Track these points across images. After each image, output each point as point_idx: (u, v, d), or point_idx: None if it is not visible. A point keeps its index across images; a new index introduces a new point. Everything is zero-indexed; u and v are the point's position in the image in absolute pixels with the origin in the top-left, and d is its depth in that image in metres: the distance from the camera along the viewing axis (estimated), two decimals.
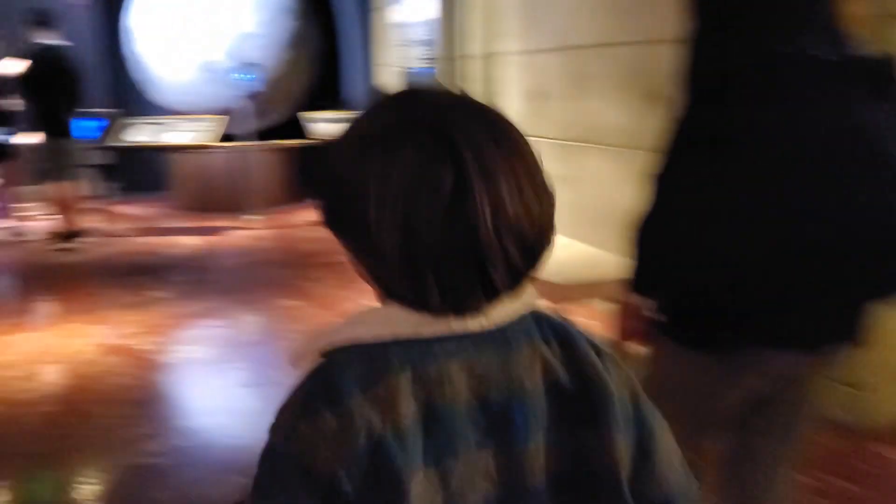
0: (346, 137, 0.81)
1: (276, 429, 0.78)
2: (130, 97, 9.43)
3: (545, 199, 0.79)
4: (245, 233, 7.48)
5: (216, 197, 8.30)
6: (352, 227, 0.79)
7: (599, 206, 4.60)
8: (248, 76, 7.91)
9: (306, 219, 7.99)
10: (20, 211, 7.97)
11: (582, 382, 0.82)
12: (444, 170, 0.73)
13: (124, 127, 7.62)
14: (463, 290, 0.76)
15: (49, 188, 6.86)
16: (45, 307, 5.30)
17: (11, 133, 6.98)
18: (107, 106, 8.53)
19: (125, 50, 8.92)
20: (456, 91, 0.82)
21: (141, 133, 7.53)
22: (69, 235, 7.09)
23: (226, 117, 7.64)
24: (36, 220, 7.83)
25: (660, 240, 1.50)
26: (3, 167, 7.01)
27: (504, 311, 0.81)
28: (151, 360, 4.24)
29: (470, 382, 0.78)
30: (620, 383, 0.85)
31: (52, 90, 6.62)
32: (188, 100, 8.25)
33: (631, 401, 0.85)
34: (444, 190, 0.72)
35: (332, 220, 0.82)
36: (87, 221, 7.25)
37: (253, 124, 7.92)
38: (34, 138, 6.86)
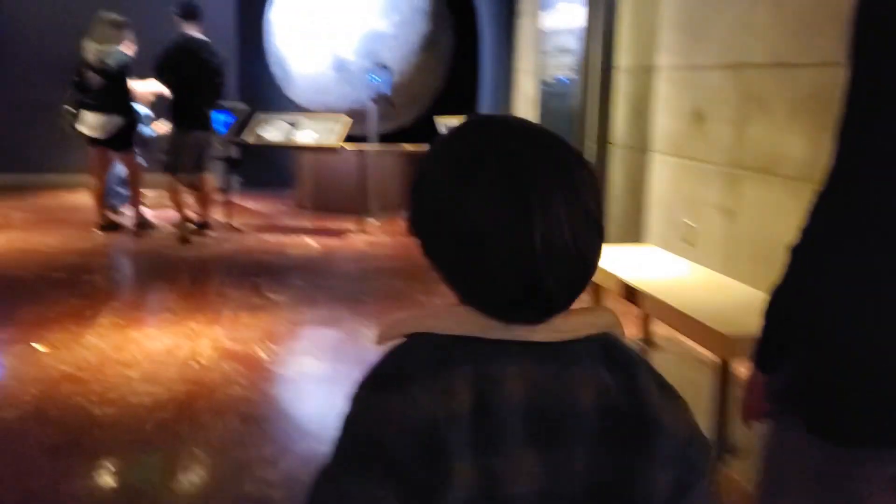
0: (430, 161, 0.91)
1: (353, 400, 0.87)
2: (258, 92, 9.46)
3: (594, 230, 0.86)
4: (364, 237, 7.29)
5: (338, 198, 8.17)
6: (430, 238, 0.90)
7: (760, 242, 4.15)
8: (379, 77, 7.74)
9: None
10: (146, 200, 8.04)
11: (635, 411, 0.86)
12: (510, 200, 0.83)
13: (257, 123, 7.54)
14: (521, 302, 0.84)
15: (181, 179, 6.84)
16: (164, 302, 5.21)
17: (149, 120, 6.99)
18: (234, 100, 8.55)
19: (262, 44, 8.92)
20: (526, 123, 0.90)
21: (270, 130, 7.44)
22: (201, 226, 7.07)
23: (350, 119, 7.47)
24: (161, 209, 7.90)
25: (793, 313, 1.37)
26: (137, 154, 6.98)
27: (568, 328, 0.87)
28: (268, 371, 4.04)
29: (525, 387, 0.84)
30: (676, 420, 0.88)
31: (193, 82, 6.61)
32: (318, 98, 8.15)
33: (684, 439, 0.88)
34: (508, 218, 0.82)
35: (416, 230, 0.91)
36: (212, 215, 7.24)
37: (379, 126, 7.75)
38: (168, 127, 6.90)
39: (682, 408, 0.90)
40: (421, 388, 0.83)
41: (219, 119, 7.57)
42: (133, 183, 7.09)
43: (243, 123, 7.69)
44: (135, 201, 7.12)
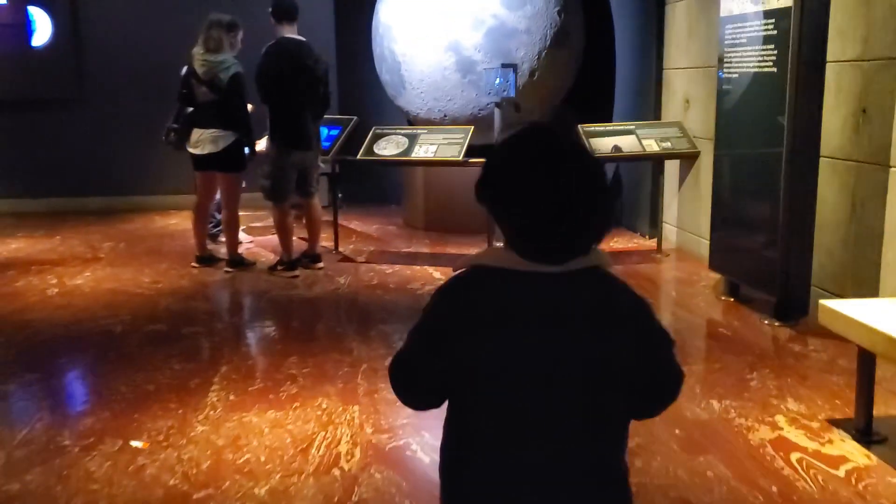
0: (497, 156, 1.45)
1: (434, 298, 1.47)
2: (361, 102, 8.53)
3: (600, 204, 1.40)
4: None
5: (454, 216, 7.17)
6: (495, 203, 1.43)
7: None
8: (504, 79, 6.70)
9: None
10: (243, 229, 7.19)
11: (613, 311, 1.43)
12: (542, 187, 1.36)
13: (372, 138, 6.57)
14: (541, 247, 1.39)
15: (285, 207, 5.92)
16: (282, 366, 4.21)
17: (248, 138, 6.01)
18: (338, 111, 7.63)
19: (365, 48, 7.98)
20: (552, 135, 1.42)
21: (383, 145, 6.47)
22: (310, 258, 6.16)
23: (471, 127, 6.44)
24: (262, 237, 7.02)
25: None
26: (233, 178, 6.05)
27: (573, 265, 1.40)
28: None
29: (538, 298, 1.39)
30: (638, 315, 1.46)
31: (297, 93, 5.68)
32: (435, 105, 7.16)
33: (643, 327, 1.46)
34: (540, 196, 1.36)
35: (485, 198, 1.43)
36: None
37: (503, 134, 6.69)
38: (268, 146, 5.96)
39: (645, 309, 1.47)
40: (473, 295, 1.43)
41: (323, 133, 6.66)
42: (230, 212, 6.10)
43: (350, 137, 6.74)
44: (232, 235, 6.17)
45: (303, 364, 4.17)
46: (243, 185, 6.13)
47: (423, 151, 6.37)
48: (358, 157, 6.49)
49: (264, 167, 5.88)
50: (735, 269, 5.22)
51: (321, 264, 6.19)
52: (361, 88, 8.78)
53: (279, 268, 6.00)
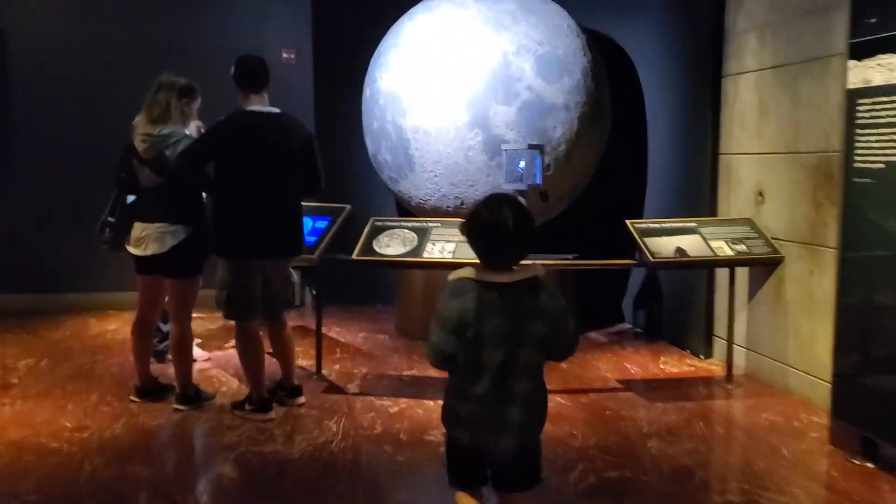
0: (479, 209, 2.45)
1: (441, 304, 2.41)
2: (346, 186, 7.21)
3: (531, 237, 2.43)
4: None
5: None
6: (472, 236, 2.44)
7: None
8: (529, 161, 5.42)
9: (608, 371, 5.32)
10: (198, 342, 5.74)
11: (542, 305, 2.41)
12: (501, 229, 2.37)
13: (372, 233, 5.19)
14: (501, 263, 2.41)
15: (251, 327, 4.48)
16: None
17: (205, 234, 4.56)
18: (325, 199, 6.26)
19: (353, 123, 6.69)
20: (508, 197, 2.53)
21: (386, 242, 5.09)
22: (287, 391, 4.71)
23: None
24: (222, 354, 5.54)
25: None
26: (185, 285, 4.61)
27: (517, 275, 2.40)
28: None
29: (501, 300, 2.37)
30: (554, 308, 2.42)
31: (274, 181, 4.31)
32: (448, 191, 5.85)
33: (556, 315, 2.43)
34: (500, 234, 2.38)
35: (468, 233, 2.45)
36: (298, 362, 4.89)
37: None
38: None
39: (559, 304, 2.44)
40: (462, 300, 2.37)
41: (307, 224, 5.28)
42: (181, 329, 4.60)
43: (342, 228, 5.36)
44: (183, 361, 4.66)
45: None
46: (199, 291, 4.69)
47: (437, 251, 5.00)
48: (354, 256, 5.10)
49: (219, 273, 4.43)
50: (873, 422, 3.88)
51: (302, 399, 4.72)
52: (341, 170, 7.46)
53: (247, 407, 4.50)
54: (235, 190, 4.28)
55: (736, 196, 5.55)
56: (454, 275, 2.44)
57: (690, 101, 6.07)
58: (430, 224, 5.24)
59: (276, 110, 4.38)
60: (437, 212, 5.91)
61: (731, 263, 5.12)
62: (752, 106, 5.34)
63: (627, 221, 5.20)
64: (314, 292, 7.52)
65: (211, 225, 4.40)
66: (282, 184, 4.33)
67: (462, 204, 5.88)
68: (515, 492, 2.57)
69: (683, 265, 5.17)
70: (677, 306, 6.30)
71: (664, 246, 5.04)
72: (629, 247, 6.85)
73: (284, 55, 7.73)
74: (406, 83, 5.93)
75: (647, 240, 5.05)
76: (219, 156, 4.29)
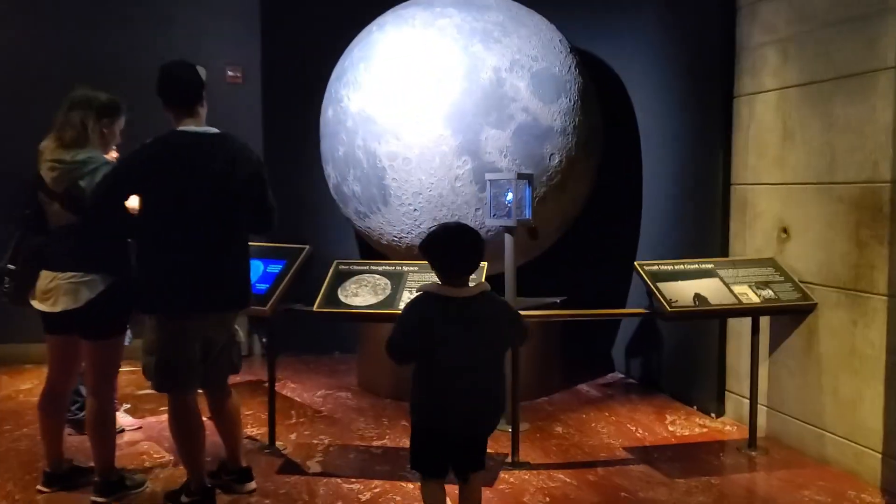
0: (437, 234, 2.99)
1: (404, 310, 2.96)
2: (298, 223, 6.40)
3: (482, 255, 2.96)
4: (504, 477, 4.03)
5: None
6: (432, 258, 2.94)
7: None
8: (518, 193, 4.68)
9: (611, 436, 4.54)
10: (127, 409, 4.87)
11: (496, 315, 2.95)
12: (457, 252, 2.92)
13: (338, 277, 4.37)
14: (459, 278, 2.90)
15: (189, 400, 3.60)
16: None
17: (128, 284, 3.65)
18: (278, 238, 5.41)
19: (321, 150, 5.88)
20: (462, 226, 3.09)
21: (354, 290, 4.26)
22: (235, 474, 3.84)
23: (483, 263, 4.35)
24: (154, 420, 4.62)
25: None
26: (105, 348, 3.72)
27: (471, 290, 2.91)
28: None
29: (459, 310, 2.84)
30: (506, 314, 3.02)
31: (212, 219, 3.46)
32: (430, 227, 5.06)
33: (510, 318, 3.03)
34: (456, 253, 2.92)
35: (426, 255, 2.96)
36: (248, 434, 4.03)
37: (507, 267, 4.69)
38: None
39: (512, 310, 3.10)
40: (423, 309, 2.86)
41: (257, 269, 4.47)
42: (98, 402, 3.69)
43: (300, 272, 4.51)
44: (102, 442, 3.75)
45: None
46: (123, 353, 3.81)
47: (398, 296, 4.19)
48: (315, 308, 4.26)
49: (147, 333, 3.56)
50: None
51: (252, 485, 3.87)
52: (296, 204, 6.62)
53: (184, 499, 3.61)
54: (165, 229, 3.42)
55: (753, 233, 4.86)
56: (419, 290, 2.96)
57: (695, 127, 5.39)
58: (406, 268, 4.43)
59: (215, 130, 3.54)
60: (411, 252, 5.10)
61: (758, 312, 4.41)
62: (772, 130, 4.67)
63: (637, 264, 4.46)
64: (264, 340, 6.64)
65: (136, 274, 3.52)
66: (224, 220, 3.49)
67: (403, 252, 5.11)
68: (475, 471, 3.04)
69: (704, 315, 4.44)
70: (679, 355, 5.58)
71: (680, 292, 4.31)
72: (622, 289, 6.21)
73: (229, 73, 6.93)
74: (381, 103, 5.11)
75: (660, 285, 4.31)
76: (143, 187, 3.43)
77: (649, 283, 4.32)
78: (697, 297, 4.29)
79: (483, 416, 2.95)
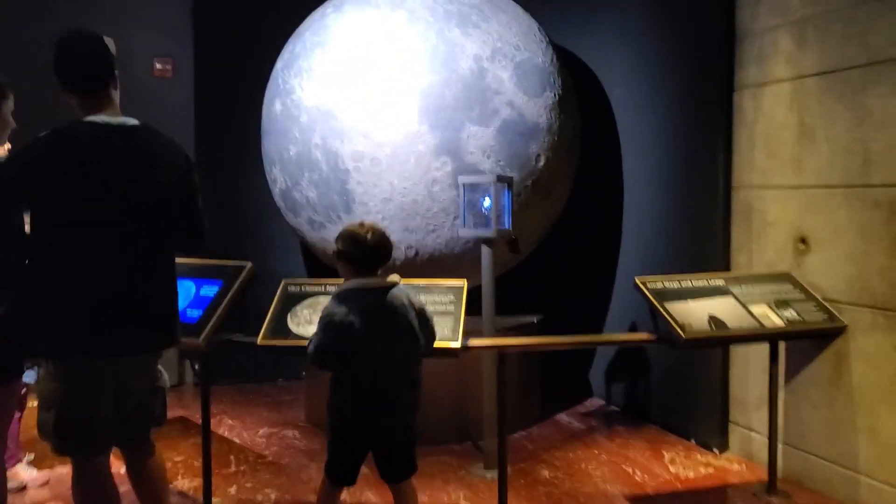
0: (341, 238, 2.99)
1: (325, 310, 2.88)
2: (256, 237, 5.67)
3: (389, 247, 3.00)
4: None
5: None
6: (342, 260, 2.97)
7: None
8: (497, 199, 4.02)
9: (606, 480, 3.88)
10: (30, 460, 4.05)
11: (406, 302, 2.93)
12: (360, 251, 2.93)
13: (287, 301, 3.61)
14: (369, 271, 2.93)
15: (101, 462, 2.81)
16: None
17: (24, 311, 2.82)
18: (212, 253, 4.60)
19: (262, 151, 5.13)
20: (368, 228, 2.97)
21: (308, 315, 3.51)
22: None
23: (463, 282, 3.65)
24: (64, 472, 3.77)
25: None
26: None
27: (385, 282, 2.93)
28: None
29: (377, 302, 2.87)
30: (411, 304, 2.94)
31: (104, 234, 2.67)
32: (401, 238, 4.34)
33: (417, 308, 2.96)
34: (361, 252, 2.93)
35: (339, 258, 2.98)
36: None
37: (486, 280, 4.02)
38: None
39: (418, 300, 3.00)
40: (343, 304, 2.84)
41: (188, 291, 3.72)
42: None
43: (239, 294, 3.74)
44: None
45: None
46: (16, 399, 3.00)
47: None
48: (260, 341, 3.51)
49: (42, 383, 2.77)
50: None
51: None
52: (233, 212, 5.85)
53: None
54: (63, 249, 2.63)
55: (761, 243, 4.27)
56: (341, 285, 2.96)
57: (687, 123, 4.79)
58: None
59: (134, 122, 2.77)
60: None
61: (784, 336, 3.80)
62: (785, 126, 4.09)
63: (639, 280, 3.81)
64: (196, 368, 5.82)
65: (25, 306, 2.72)
66: (141, 238, 2.72)
67: (417, 255, 4.38)
68: (401, 480, 2.97)
69: (724, 342, 3.80)
70: (671, 380, 4.96)
71: (692, 314, 3.67)
72: (600, 305, 5.57)
73: (157, 65, 6.14)
74: (344, 95, 4.35)
75: (668, 306, 3.67)
76: (34, 195, 2.65)
77: (656, 304, 3.67)
78: (713, 319, 3.66)
79: (397, 414, 2.91)
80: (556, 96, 4.49)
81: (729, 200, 4.47)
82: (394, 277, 2.99)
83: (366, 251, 2.92)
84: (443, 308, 3.55)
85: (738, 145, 4.41)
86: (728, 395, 4.50)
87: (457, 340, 3.39)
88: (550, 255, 5.57)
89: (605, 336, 3.82)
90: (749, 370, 4.33)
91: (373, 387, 2.87)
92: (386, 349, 2.86)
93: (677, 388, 4.88)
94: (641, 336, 3.78)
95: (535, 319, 5.06)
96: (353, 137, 4.25)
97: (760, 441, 4.24)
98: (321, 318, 2.87)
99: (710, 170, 4.53)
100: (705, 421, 4.62)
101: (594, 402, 5.62)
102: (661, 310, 3.64)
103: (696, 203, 4.70)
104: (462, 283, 3.66)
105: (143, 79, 6.00)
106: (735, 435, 4.48)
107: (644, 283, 3.81)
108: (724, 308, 3.75)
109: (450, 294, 3.61)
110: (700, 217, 4.65)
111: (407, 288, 2.99)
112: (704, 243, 4.59)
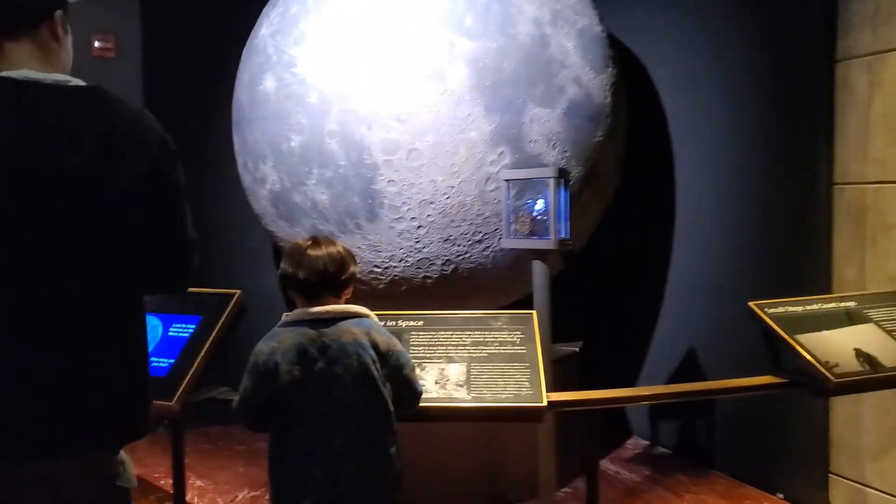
0: (285, 253, 2.27)
1: (255, 350, 2.15)
2: (236, 256, 4.61)
3: (344, 267, 2.23)
4: None
5: (427, 489, 3.25)
6: (282, 283, 2.24)
7: None
8: (552, 200, 3.08)
9: None
10: None
11: (354, 341, 2.13)
12: (300, 268, 2.20)
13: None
14: (314, 297, 2.18)
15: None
16: None
17: None
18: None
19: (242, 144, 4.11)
20: (319, 241, 2.25)
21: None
22: None
23: (532, 313, 2.69)
24: None
25: None
26: None
27: (328, 311, 2.16)
28: None
29: (305, 336, 2.12)
30: (375, 343, 2.15)
31: (82, 252, 1.65)
32: (439, 252, 3.34)
33: (384, 348, 2.16)
34: (296, 272, 2.20)
35: (285, 289, 2.25)
36: None
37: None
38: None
39: (379, 340, 2.17)
40: (275, 343, 2.14)
41: (155, 331, 2.70)
42: None
43: (225, 333, 2.71)
44: None
45: None
46: None
47: (430, 379, 2.48)
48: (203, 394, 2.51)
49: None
50: None
51: None
52: (203, 224, 4.76)
53: None
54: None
55: (881, 252, 3.40)
56: (281, 322, 2.26)
57: (767, 106, 3.92)
58: (403, 321, 2.71)
59: (78, 82, 1.74)
60: (395, 290, 3.37)
61: None
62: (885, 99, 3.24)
63: (754, 305, 2.89)
64: (166, 423, 4.73)
65: None
66: (85, 271, 1.68)
67: (457, 270, 3.38)
68: None
69: (883, 384, 2.88)
70: (742, 416, 4.08)
71: (833, 348, 2.78)
72: (645, 325, 4.66)
73: (97, 44, 5.11)
74: (367, 68, 3.31)
75: (801, 339, 2.76)
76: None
77: (786, 337, 2.77)
78: (861, 354, 2.77)
79: (361, 488, 2.11)
80: (615, 74, 3.58)
81: (831, 198, 3.60)
82: (355, 308, 2.22)
83: (302, 268, 2.19)
84: (509, 350, 2.59)
85: (842, 131, 3.55)
86: (829, 439, 3.64)
87: (540, 398, 2.42)
88: (584, 263, 4.65)
89: (722, 383, 2.86)
90: (862, 409, 3.47)
91: (320, 450, 2.10)
92: (329, 400, 2.10)
93: (754, 428, 4.00)
94: (767, 379, 2.84)
95: (577, 348, 4.14)
96: (384, 123, 3.24)
97: (877, 499, 3.38)
98: (248, 363, 2.20)
99: (801, 160, 3.67)
100: (798, 471, 3.75)
101: (637, 443, 4.71)
102: (795, 345, 2.73)
103: (781, 203, 3.82)
104: (531, 313, 2.70)
105: (80, 60, 4.88)
106: (840, 490, 3.61)
107: (761, 308, 2.90)
108: (868, 339, 2.86)
109: (516, 329, 2.65)
110: (789, 220, 3.77)
111: (371, 322, 2.21)
112: (796, 253, 3.71)
